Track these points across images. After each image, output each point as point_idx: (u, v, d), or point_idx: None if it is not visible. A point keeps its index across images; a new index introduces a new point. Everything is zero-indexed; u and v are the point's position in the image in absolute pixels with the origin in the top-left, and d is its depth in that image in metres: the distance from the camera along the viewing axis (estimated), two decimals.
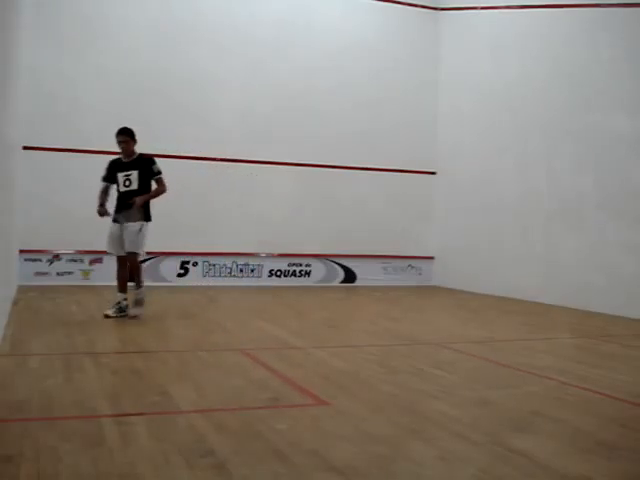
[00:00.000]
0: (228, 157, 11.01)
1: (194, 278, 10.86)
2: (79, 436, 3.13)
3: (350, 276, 11.88)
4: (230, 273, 11.13)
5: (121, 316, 6.88)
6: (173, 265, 10.79)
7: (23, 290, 8.70)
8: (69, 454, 2.87)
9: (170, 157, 10.57)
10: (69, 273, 10.15)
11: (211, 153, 10.89)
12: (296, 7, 11.57)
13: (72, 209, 9.87)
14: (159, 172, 7.04)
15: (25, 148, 9.57)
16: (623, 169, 8.72)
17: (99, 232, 10.00)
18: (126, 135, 6.97)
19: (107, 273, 10.19)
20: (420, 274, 12.35)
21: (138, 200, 6.86)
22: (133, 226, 6.91)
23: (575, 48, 9.58)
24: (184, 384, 4.26)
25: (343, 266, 11.83)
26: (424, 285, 12.21)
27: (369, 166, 11.92)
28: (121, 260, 7.02)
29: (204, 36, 10.94)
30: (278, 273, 11.45)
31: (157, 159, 7.21)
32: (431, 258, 12.37)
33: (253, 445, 3.10)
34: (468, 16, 11.83)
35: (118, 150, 7.05)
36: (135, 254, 6.97)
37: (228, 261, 11.09)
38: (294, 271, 11.56)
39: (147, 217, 7.00)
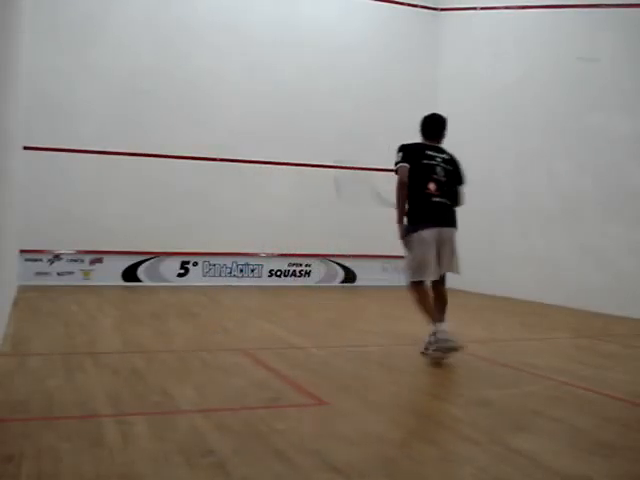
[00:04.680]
0: (228, 157, 11.00)
1: (194, 278, 10.85)
2: (79, 436, 3.13)
3: (350, 276, 11.87)
4: (230, 273, 11.13)
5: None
6: (173, 265, 10.79)
7: (23, 290, 8.69)
8: (69, 454, 2.87)
9: (169, 157, 10.61)
10: (70, 273, 10.15)
11: (211, 153, 10.88)
12: (296, 7, 11.56)
13: (72, 209, 9.89)
14: None
15: (25, 148, 9.57)
16: (623, 169, 8.72)
17: (99, 232, 10.17)
18: None
19: (108, 273, 10.30)
20: None
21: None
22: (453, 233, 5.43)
23: (575, 48, 9.58)
24: (184, 384, 4.26)
25: (343, 266, 11.83)
26: None
27: (369, 166, 11.88)
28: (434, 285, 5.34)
29: (204, 36, 10.92)
30: (278, 273, 11.44)
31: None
32: None
33: (253, 445, 3.10)
34: (468, 16, 11.83)
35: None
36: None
37: (228, 261, 11.09)
38: (294, 271, 11.55)
39: None
